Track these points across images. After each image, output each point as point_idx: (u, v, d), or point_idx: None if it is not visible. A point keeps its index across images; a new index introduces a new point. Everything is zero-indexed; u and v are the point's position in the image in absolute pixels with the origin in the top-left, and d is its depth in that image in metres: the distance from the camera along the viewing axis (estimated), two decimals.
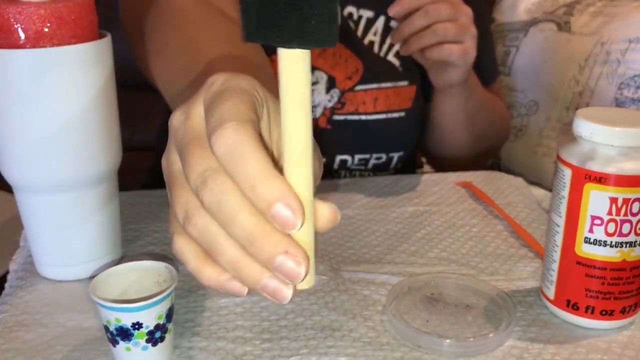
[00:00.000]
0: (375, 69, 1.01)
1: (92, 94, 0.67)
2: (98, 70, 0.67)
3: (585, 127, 0.60)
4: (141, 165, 1.23)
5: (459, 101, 0.99)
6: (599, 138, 0.60)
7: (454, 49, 0.86)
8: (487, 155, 1.18)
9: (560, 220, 0.63)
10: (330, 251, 0.79)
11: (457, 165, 1.10)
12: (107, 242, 0.74)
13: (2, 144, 0.67)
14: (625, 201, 0.59)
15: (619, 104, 1.30)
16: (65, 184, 0.68)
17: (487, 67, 1.14)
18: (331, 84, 1.00)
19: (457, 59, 0.87)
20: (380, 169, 1.07)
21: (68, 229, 0.71)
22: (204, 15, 0.77)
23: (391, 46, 1.03)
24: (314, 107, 1.01)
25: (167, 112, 0.62)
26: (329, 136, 1.02)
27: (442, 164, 1.20)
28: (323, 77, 1.00)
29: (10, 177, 0.69)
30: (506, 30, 1.55)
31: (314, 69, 1.00)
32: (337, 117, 1.01)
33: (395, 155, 1.06)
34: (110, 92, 0.70)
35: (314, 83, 1.00)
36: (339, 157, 1.03)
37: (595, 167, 0.60)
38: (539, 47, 1.46)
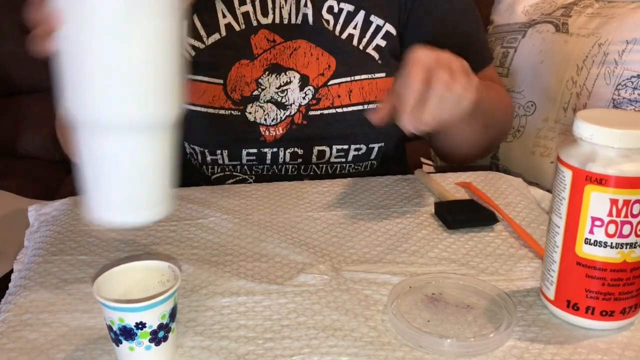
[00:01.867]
0: (349, 62, 1.02)
1: (173, 34, 0.65)
2: (179, 11, 0.66)
3: (586, 129, 0.61)
4: None
5: (468, 124, 0.93)
6: (600, 140, 0.60)
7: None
8: (494, 145, 1.15)
9: (561, 221, 0.64)
10: (331, 251, 0.79)
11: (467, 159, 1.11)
12: (164, 192, 0.70)
13: (79, 79, 0.64)
14: (626, 202, 0.60)
15: (616, 104, 1.30)
16: (138, 124, 0.66)
17: (475, 53, 1.08)
18: (304, 82, 1.01)
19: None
20: (361, 160, 1.07)
21: (133, 173, 0.68)
22: None
23: (371, 39, 1.04)
24: (289, 104, 1.02)
25: None
26: (305, 131, 1.02)
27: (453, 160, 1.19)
28: (296, 76, 1.01)
29: (83, 115, 0.66)
30: (504, 31, 1.56)
31: (286, 69, 1.01)
32: (312, 113, 1.02)
33: (376, 146, 1.06)
34: (185, 37, 0.68)
35: (287, 83, 1.01)
36: (316, 149, 1.04)
37: (595, 168, 0.60)
38: (537, 48, 1.46)
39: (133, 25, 0.63)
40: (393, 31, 1.05)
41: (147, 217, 0.69)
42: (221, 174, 1.05)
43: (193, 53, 1.00)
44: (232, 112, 1.02)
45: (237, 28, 1.00)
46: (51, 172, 1.84)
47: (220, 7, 0.99)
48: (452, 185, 0.97)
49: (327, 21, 1.02)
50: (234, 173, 1.05)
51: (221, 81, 1.00)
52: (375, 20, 1.03)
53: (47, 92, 2.06)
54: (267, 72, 1.01)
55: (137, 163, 0.67)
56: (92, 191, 0.69)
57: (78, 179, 0.68)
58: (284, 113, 1.01)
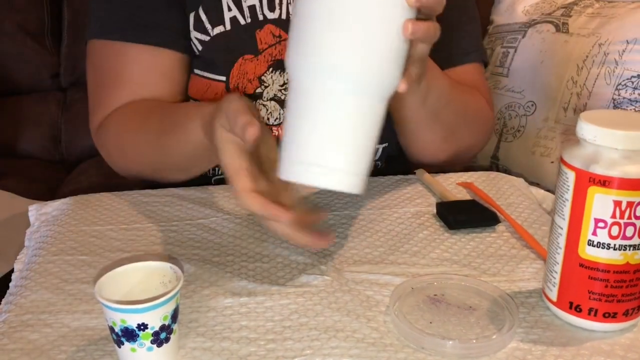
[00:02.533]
0: None
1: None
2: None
3: (589, 130, 0.61)
4: None
5: (415, 100, 0.91)
6: (603, 141, 0.60)
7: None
8: (464, 156, 1.09)
9: (564, 223, 0.64)
10: (333, 251, 0.79)
11: (438, 170, 1.06)
12: (364, 166, 0.68)
13: (338, 33, 0.63)
14: (629, 204, 0.59)
15: (616, 104, 1.31)
16: (368, 86, 0.65)
17: (461, 44, 1.06)
18: None
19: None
20: None
21: (348, 132, 0.66)
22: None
23: None
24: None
25: None
26: None
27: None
28: None
29: (323, 64, 0.64)
30: (504, 31, 1.56)
31: (283, 71, 1.01)
32: None
33: (380, 147, 1.05)
34: None
35: (285, 83, 1.01)
36: None
37: (599, 170, 0.60)
38: (537, 48, 1.47)
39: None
40: None
41: (342, 183, 0.65)
42: (221, 176, 1.05)
43: (200, 47, 0.99)
44: None
45: (242, 22, 0.99)
46: (51, 172, 1.84)
47: (226, 0, 0.98)
48: (454, 185, 0.97)
49: None
50: None
51: (224, 78, 1.00)
52: None
53: (47, 92, 2.08)
54: (271, 69, 1.00)
55: (354, 124, 0.65)
56: (299, 144, 0.65)
57: (285, 131, 0.66)
58: None
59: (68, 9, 1.94)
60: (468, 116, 1.03)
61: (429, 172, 1.00)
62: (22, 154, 1.91)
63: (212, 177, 1.06)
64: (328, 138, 0.64)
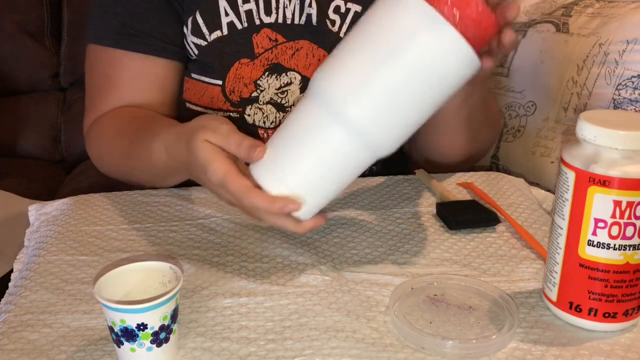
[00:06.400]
0: None
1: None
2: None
3: (589, 130, 0.61)
4: None
5: (459, 101, 0.90)
6: (603, 141, 0.60)
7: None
8: (478, 156, 1.11)
9: (564, 223, 0.64)
10: (333, 252, 0.79)
11: (444, 170, 1.07)
12: (324, 203, 0.72)
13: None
14: (629, 204, 0.59)
15: (616, 104, 1.30)
16: (376, 151, 0.70)
17: None
18: (305, 84, 1.00)
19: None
20: None
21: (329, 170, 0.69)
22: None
23: None
24: (289, 106, 1.02)
25: None
26: None
27: (427, 169, 1.17)
28: (297, 78, 1.01)
29: (349, 105, 0.66)
30: None
31: (287, 70, 1.01)
32: None
33: None
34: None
35: (288, 84, 1.01)
36: None
37: (599, 170, 0.60)
38: (537, 48, 1.46)
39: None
40: None
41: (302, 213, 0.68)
42: None
43: (196, 52, 1.00)
44: (231, 114, 1.02)
45: (239, 26, 0.99)
46: (51, 172, 1.84)
47: (223, 4, 0.99)
48: (454, 185, 0.97)
49: (333, 21, 1.01)
50: None
51: (220, 82, 1.00)
52: None
53: (47, 92, 2.07)
54: (267, 73, 1.00)
55: (338, 165, 0.68)
56: (281, 155, 0.68)
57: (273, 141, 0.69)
58: (284, 116, 1.01)
59: (68, 9, 1.94)
60: (489, 120, 1.05)
61: (429, 172, 1.00)
62: (22, 154, 1.90)
63: None
64: (308, 169, 0.67)
